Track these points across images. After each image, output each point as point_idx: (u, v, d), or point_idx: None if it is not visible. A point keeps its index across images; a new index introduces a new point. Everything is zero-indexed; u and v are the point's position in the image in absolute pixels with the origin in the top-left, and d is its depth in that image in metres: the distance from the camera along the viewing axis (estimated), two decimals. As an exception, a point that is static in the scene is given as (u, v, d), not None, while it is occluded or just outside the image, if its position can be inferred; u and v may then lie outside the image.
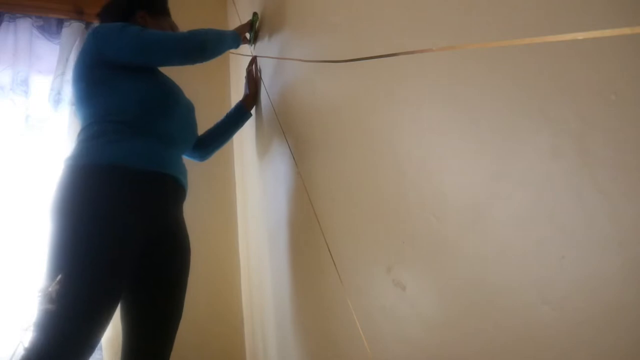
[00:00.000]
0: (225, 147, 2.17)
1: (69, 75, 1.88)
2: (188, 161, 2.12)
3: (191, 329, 1.94)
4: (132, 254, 1.05)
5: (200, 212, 2.09)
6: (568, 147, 0.47)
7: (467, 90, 0.62)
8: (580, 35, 0.46)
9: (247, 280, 1.97)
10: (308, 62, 1.18)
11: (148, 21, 1.34)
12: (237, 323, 2.01)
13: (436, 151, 0.69)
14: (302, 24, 1.25)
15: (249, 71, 1.63)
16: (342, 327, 0.98)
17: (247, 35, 1.56)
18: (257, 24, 1.57)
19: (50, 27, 1.97)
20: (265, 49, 1.58)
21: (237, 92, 2.07)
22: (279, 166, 1.44)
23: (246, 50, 1.78)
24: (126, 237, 1.03)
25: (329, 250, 1.04)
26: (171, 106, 1.23)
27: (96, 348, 0.99)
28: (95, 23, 1.83)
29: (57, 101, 1.88)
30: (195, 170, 2.12)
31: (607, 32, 0.44)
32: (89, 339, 0.95)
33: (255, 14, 1.57)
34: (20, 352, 0.92)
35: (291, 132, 1.33)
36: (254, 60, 1.63)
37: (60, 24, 1.97)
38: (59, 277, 0.94)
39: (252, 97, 1.61)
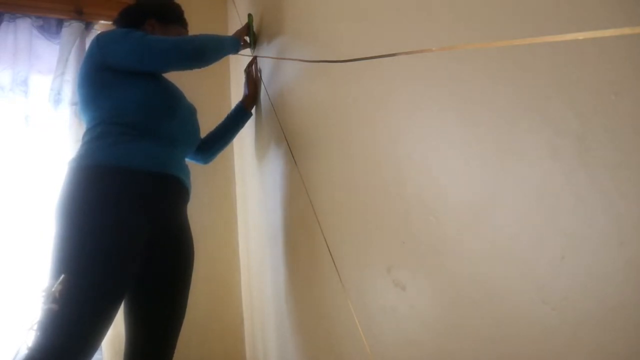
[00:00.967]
0: (226, 148, 2.17)
1: (69, 75, 1.88)
2: (189, 161, 2.12)
3: (191, 329, 1.94)
4: (136, 254, 1.06)
5: (200, 212, 2.09)
6: (568, 147, 0.47)
7: (467, 91, 0.62)
8: (580, 35, 0.46)
9: (247, 280, 1.97)
10: (308, 62, 1.18)
11: (157, 28, 1.37)
12: (237, 323, 2.01)
13: (436, 151, 0.69)
14: (301, 24, 1.25)
15: (248, 71, 1.63)
16: (342, 327, 0.98)
17: (247, 38, 1.55)
18: (253, 25, 1.57)
19: (50, 27, 1.97)
20: (265, 50, 1.57)
21: (237, 93, 2.07)
22: (279, 166, 1.44)
23: (246, 50, 1.78)
24: (129, 238, 1.04)
25: (329, 250, 1.04)
26: (173, 109, 1.25)
27: (98, 347, 0.99)
28: (95, 22, 1.83)
29: (57, 101, 1.88)
30: (195, 170, 2.12)
31: (607, 32, 0.44)
32: (92, 339, 0.96)
33: (249, 15, 1.56)
34: (24, 351, 0.92)
35: (291, 133, 1.33)
36: (253, 61, 1.64)
37: (60, 24, 1.97)
38: (63, 277, 0.94)
39: (251, 97, 1.62)
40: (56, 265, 0.98)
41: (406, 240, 0.76)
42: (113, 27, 1.41)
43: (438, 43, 0.68)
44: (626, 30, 0.42)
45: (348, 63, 0.96)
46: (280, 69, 1.41)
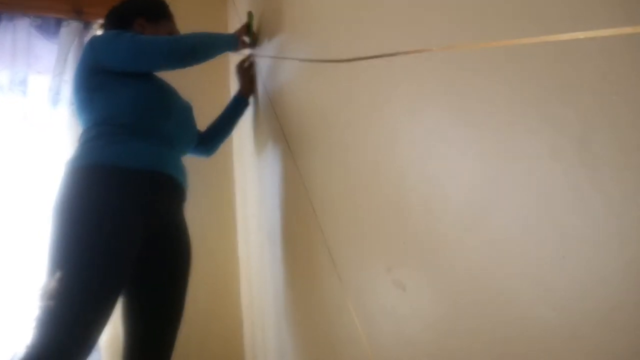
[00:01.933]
0: (225, 147, 2.17)
1: (68, 75, 1.88)
2: (188, 160, 2.12)
3: (191, 329, 1.94)
4: (132, 253, 1.06)
5: (200, 212, 2.08)
6: (568, 147, 0.47)
7: (466, 90, 0.62)
8: (581, 35, 0.46)
9: (247, 280, 1.96)
10: (307, 61, 1.18)
11: (146, 27, 1.37)
12: (237, 323, 2.01)
13: (436, 152, 0.69)
14: (301, 23, 1.25)
15: (239, 67, 1.65)
16: (342, 328, 0.98)
17: (246, 38, 1.53)
18: (253, 23, 1.56)
19: (49, 27, 1.96)
20: (264, 48, 1.57)
21: (236, 92, 2.07)
22: (278, 166, 1.44)
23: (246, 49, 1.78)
24: (125, 236, 1.04)
25: (329, 250, 1.04)
26: (168, 108, 1.25)
27: (95, 346, 0.99)
28: (93, 22, 1.83)
29: (55, 101, 1.88)
30: (195, 170, 2.11)
31: (608, 32, 0.43)
32: (87, 337, 0.96)
33: (249, 13, 1.56)
34: (22, 349, 0.93)
35: (290, 132, 1.32)
36: (247, 59, 1.64)
37: (58, 23, 1.97)
38: (58, 274, 0.95)
39: (246, 87, 1.63)
40: (52, 263, 0.99)
41: (406, 240, 0.76)
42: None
43: (438, 43, 0.68)
44: (626, 30, 0.42)
45: (349, 63, 0.96)
46: (280, 67, 1.41)
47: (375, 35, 0.86)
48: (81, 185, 1.06)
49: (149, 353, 1.16)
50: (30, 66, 1.90)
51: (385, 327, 0.82)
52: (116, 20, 1.38)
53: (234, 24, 2.11)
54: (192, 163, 2.09)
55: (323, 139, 1.10)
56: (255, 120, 1.72)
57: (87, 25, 1.98)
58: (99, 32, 1.99)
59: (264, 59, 1.56)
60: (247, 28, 1.55)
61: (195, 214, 2.08)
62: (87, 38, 1.96)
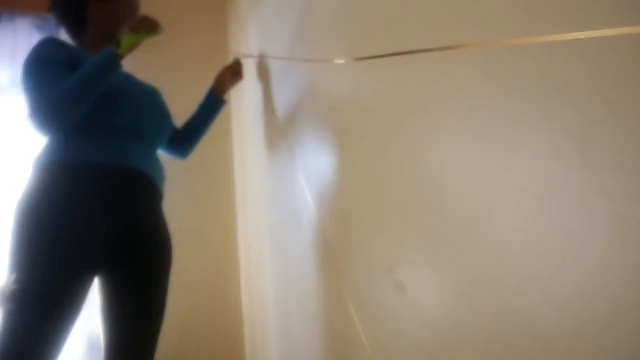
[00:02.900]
0: (225, 147, 2.17)
1: (68, 75, 1.87)
2: (188, 160, 2.12)
3: (191, 329, 1.94)
4: (92, 249, 1.02)
5: (200, 212, 2.08)
6: (570, 147, 0.47)
7: (467, 90, 0.62)
8: (582, 35, 0.46)
9: (247, 280, 1.96)
10: (307, 62, 1.18)
11: (101, 9, 1.23)
12: (237, 323, 2.01)
13: (438, 153, 0.69)
14: (312, 21, 1.25)
15: (229, 68, 1.53)
16: (342, 327, 0.98)
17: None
18: (125, 42, 1.11)
19: (49, 27, 1.97)
20: (271, 48, 1.57)
21: (237, 92, 2.07)
22: (279, 166, 1.44)
23: (246, 50, 1.78)
24: (81, 233, 1.00)
25: (329, 250, 1.04)
26: (124, 97, 1.15)
27: (60, 349, 0.96)
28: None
29: (56, 101, 1.88)
30: (195, 170, 2.12)
31: (609, 32, 0.43)
32: (47, 341, 0.93)
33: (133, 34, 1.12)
34: None
35: (291, 131, 1.32)
36: (238, 61, 1.54)
37: (58, 23, 1.97)
38: (16, 275, 0.93)
39: (227, 86, 1.51)
40: (11, 264, 0.97)
41: (406, 240, 0.76)
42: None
43: (436, 43, 0.68)
44: (627, 30, 0.42)
45: (352, 64, 0.96)
46: (288, 70, 1.41)
47: (383, 37, 0.86)
48: (38, 182, 1.03)
49: (127, 357, 1.11)
50: (30, 66, 1.89)
51: (385, 327, 0.82)
52: (67, 7, 1.25)
53: (234, 24, 2.11)
54: (193, 163, 2.10)
55: (325, 140, 1.10)
56: (257, 121, 1.72)
57: (87, 25, 1.98)
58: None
59: (272, 60, 1.56)
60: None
61: (196, 213, 2.08)
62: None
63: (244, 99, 1.91)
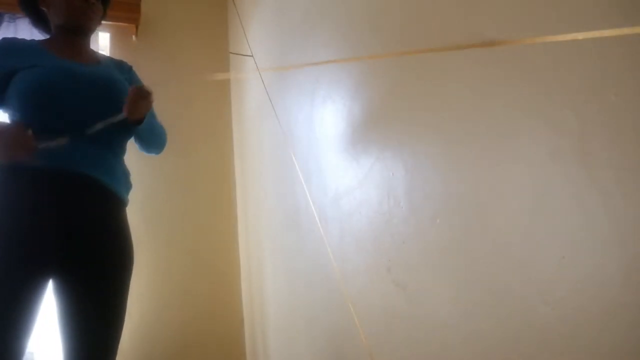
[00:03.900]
0: (225, 147, 2.17)
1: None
2: (184, 159, 2.11)
3: (191, 330, 1.94)
4: (41, 252, 1.01)
5: (200, 212, 2.09)
6: (568, 147, 0.47)
7: (466, 90, 0.62)
8: (580, 35, 0.46)
9: (247, 280, 1.97)
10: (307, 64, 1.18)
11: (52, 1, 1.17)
12: (237, 323, 2.01)
13: (439, 153, 0.69)
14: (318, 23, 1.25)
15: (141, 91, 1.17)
16: (342, 327, 0.98)
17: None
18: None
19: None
20: (271, 48, 1.58)
21: (237, 92, 2.07)
22: (279, 166, 1.44)
23: (246, 50, 1.78)
24: (29, 237, 1.00)
25: (329, 250, 1.04)
26: (61, 98, 1.08)
27: (19, 356, 0.96)
28: None
29: (57, 101, 1.88)
30: (195, 170, 2.12)
31: (607, 32, 0.44)
32: (7, 344, 0.93)
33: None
34: None
35: (291, 131, 1.33)
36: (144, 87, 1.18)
37: (60, 24, 1.97)
38: None
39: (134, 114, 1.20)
40: None
41: (406, 240, 0.76)
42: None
43: (434, 43, 0.68)
44: (626, 30, 0.42)
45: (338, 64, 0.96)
46: (285, 75, 1.40)
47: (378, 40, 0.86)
48: None
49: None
50: (31, 66, 1.89)
51: (385, 326, 0.82)
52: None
53: (234, 24, 2.11)
54: (193, 163, 2.10)
55: (327, 139, 1.10)
56: (255, 120, 1.72)
57: (88, 25, 1.98)
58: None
59: (273, 62, 1.56)
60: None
61: (196, 213, 2.08)
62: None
63: (244, 99, 1.92)
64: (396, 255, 0.79)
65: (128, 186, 1.18)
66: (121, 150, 1.21)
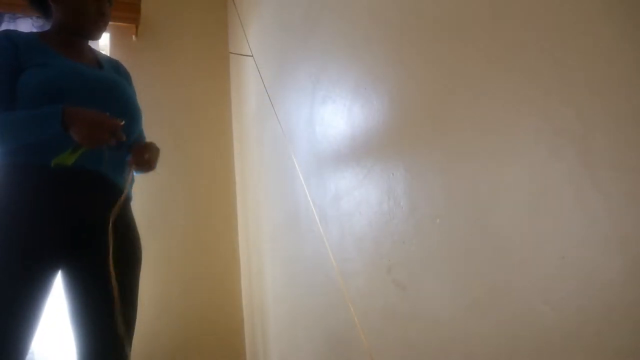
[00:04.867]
0: (225, 147, 2.17)
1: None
2: (185, 159, 2.12)
3: (191, 329, 1.94)
4: (48, 245, 1.02)
5: (200, 212, 2.09)
6: (569, 147, 0.47)
7: (466, 90, 0.62)
8: (580, 35, 0.46)
9: (247, 280, 1.97)
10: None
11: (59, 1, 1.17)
12: (237, 323, 2.01)
13: (439, 153, 0.69)
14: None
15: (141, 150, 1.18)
16: (342, 327, 0.98)
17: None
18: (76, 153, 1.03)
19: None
20: (271, 48, 1.58)
21: (237, 92, 2.07)
22: (279, 166, 1.44)
23: (246, 50, 1.78)
24: (36, 231, 1.00)
25: (329, 250, 1.04)
26: (71, 98, 1.07)
27: (22, 355, 0.96)
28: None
29: (57, 101, 1.88)
30: (195, 170, 2.12)
31: (607, 32, 0.44)
32: (14, 335, 0.93)
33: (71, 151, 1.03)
34: None
35: (291, 131, 1.33)
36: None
37: (60, 24, 1.97)
38: None
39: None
40: None
41: (406, 240, 0.76)
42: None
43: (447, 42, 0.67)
44: (624, 31, 0.42)
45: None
46: (284, 73, 1.40)
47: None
48: None
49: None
50: (31, 66, 1.89)
51: (385, 327, 0.82)
52: None
53: (234, 24, 2.11)
54: (193, 163, 2.10)
55: (325, 138, 1.10)
56: (258, 121, 1.72)
57: (88, 25, 1.98)
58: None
59: (267, 62, 1.56)
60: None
61: (196, 213, 2.08)
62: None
63: (244, 99, 1.92)
64: (396, 255, 0.79)
65: (132, 181, 1.20)
66: (124, 147, 1.23)
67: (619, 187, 0.42)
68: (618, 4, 0.43)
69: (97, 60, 1.28)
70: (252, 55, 1.68)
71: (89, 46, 1.29)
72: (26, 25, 1.95)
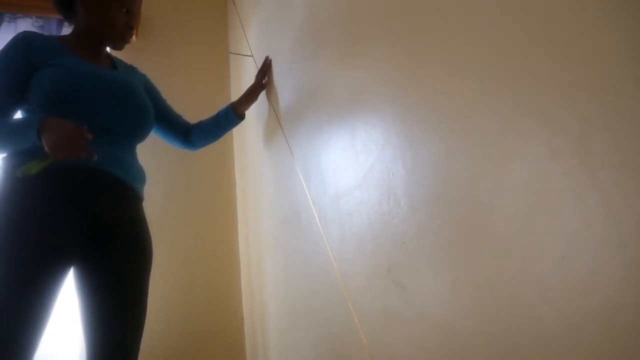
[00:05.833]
0: (225, 147, 2.17)
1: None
2: (185, 159, 2.12)
3: (191, 329, 1.94)
4: (61, 243, 1.02)
5: (200, 212, 2.09)
6: (568, 147, 0.47)
7: (467, 90, 0.62)
8: (580, 35, 0.46)
9: (247, 280, 1.97)
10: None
11: (90, 4, 1.18)
12: (237, 323, 2.02)
13: (439, 153, 0.69)
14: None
15: (260, 78, 1.51)
16: (342, 327, 0.99)
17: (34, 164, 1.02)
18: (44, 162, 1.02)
19: (51, 27, 1.97)
20: (271, 48, 1.58)
21: (237, 92, 2.07)
22: (279, 166, 1.44)
23: (246, 50, 1.78)
24: (36, 231, 1.01)
25: (329, 249, 1.04)
26: (84, 99, 1.10)
27: (28, 354, 0.96)
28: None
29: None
30: (195, 170, 2.12)
31: (607, 32, 0.44)
32: (23, 331, 0.94)
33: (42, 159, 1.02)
34: None
35: (290, 131, 1.33)
36: (267, 66, 1.51)
37: (60, 23, 1.98)
38: None
39: (248, 101, 1.52)
40: None
41: (406, 240, 0.76)
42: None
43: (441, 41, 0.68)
44: (624, 31, 0.42)
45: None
46: (291, 70, 1.41)
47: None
48: (2, 186, 1.05)
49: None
50: (31, 66, 1.89)
51: (385, 326, 0.82)
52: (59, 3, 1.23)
53: (234, 24, 2.11)
54: (193, 163, 2.10)
55: (325, 137, 1.10)
56: (258, 120, 1.72)
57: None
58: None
59: (276, 60, 1.56)
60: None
61: (196, 213, 2.08)
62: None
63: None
64: (396, 255, 0.79)
65: (143, 181, 1.24)
66: (134, 148, 1.27)
67: (618, 187, 0.42)
68: (619, 3, 0.43)
69: (113, 63, 1.30)
70: (252, 55, 1.68)
71: (107, 51, 1.31)
72: (26, 25, 1.95)
